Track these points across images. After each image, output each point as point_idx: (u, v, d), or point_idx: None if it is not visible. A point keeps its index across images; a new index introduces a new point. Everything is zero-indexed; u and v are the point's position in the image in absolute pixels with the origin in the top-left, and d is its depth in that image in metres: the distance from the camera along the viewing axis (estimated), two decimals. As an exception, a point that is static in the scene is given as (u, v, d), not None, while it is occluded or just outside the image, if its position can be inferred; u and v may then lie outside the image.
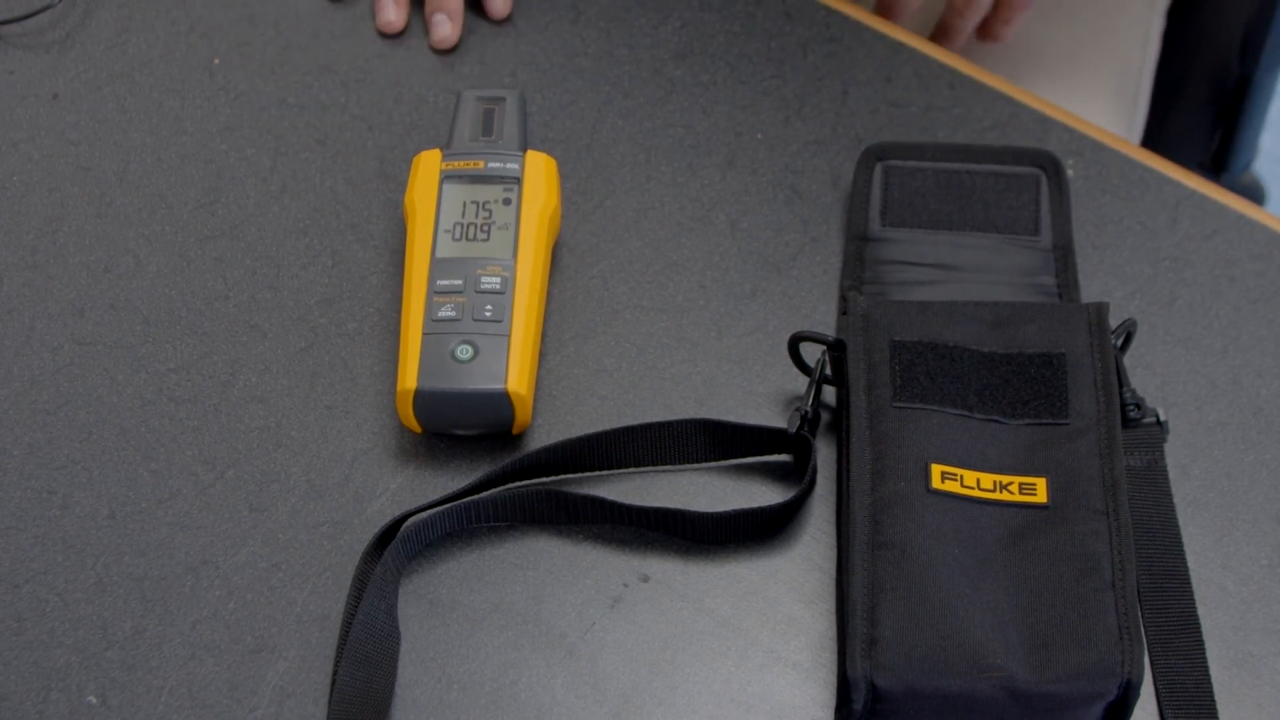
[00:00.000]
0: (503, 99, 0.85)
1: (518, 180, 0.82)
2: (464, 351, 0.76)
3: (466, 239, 0.80)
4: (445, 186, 0.82)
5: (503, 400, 0.76)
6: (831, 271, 0.85)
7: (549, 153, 0.88)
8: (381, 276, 0.84)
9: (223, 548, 0.76)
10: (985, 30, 1.02)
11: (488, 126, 0.84)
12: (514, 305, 0.78)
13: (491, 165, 0.82)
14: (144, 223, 0.87)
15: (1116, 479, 0.73)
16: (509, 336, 0.77)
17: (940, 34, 1.03)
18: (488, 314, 0.77)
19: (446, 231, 0.80)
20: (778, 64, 0.93)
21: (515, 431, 0.78)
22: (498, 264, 0.79)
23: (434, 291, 0.78)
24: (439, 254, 0.79)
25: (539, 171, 0.82)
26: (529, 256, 0.79)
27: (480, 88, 0.87)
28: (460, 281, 0.78)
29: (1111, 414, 0.75)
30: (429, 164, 0.83)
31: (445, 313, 0.77)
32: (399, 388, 0.76)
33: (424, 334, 0.77)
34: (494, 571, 0.75)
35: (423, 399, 0.76)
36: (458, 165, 0.82)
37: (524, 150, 0.83)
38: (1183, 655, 0.72)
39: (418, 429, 0.78)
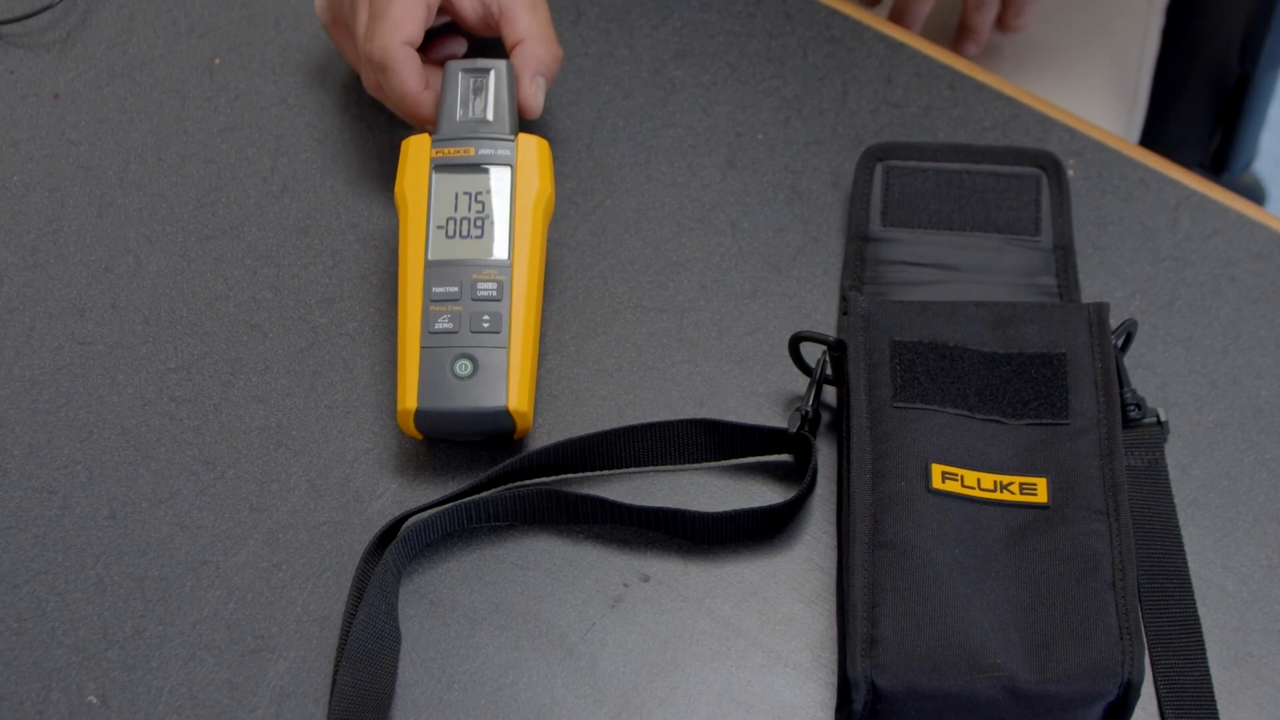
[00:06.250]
0: (488, 70, 0.82)
1: (510, 166, 0.80)
2: (463, 367, 0.76)
3: (460, 235, 0.78)
4: (436, 177, 0.80)
5: (504, 417, 0.76)
6: (832, 271, 0.85)
7: (549, 152, 0.88)
8: (381, 276, 0.84)
9: (223, 548, 0.76)
10: (1001, 24, 1.03)
11: (477, 105, 0.82)
12: (511, 313, 0.77)
13: (483, 152, 0.80)
14: (144, 222, 0.87)
15: (1117, 479, 0.73)
16: (508, 349, 0.76)
17: (962, 35, 1.03)
18: (485, 325, 0.77)
19: (439, 228, 0.79)
20: (778, 64, 0.93)
21: (516, 437, 0.78)
22: (493, 267, 0.78)
23: (430, 300, 0.77)
24: (432, 255, 0.78)
25: (531, 156, 0.80)
26: (524, 254, 0.78)
27: (466, 60, 0.85)
28: (456, 289, 0.77)
29: (1112, 414, 0.75)
30: (418, 151, 0.81)
31: (442, 324, 0.76)
32: (399, 406, 0.76)
33: (422, 347, 0.76)
34: (494, 571, 0.75)
35: (423, 418, 0.76)
36: (448, 153, 0.80)
37: (515, 134, 0.81)
38: (1183, 655, 0.72)
39: (419, 437, 0.78)
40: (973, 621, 0.69)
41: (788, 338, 0.80)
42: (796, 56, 0.93)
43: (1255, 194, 1.62)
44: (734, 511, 0.75)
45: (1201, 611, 0.74)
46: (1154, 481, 0.76)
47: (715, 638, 0.74)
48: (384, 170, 0.88)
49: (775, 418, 0.80)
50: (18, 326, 0.83)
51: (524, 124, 0.86)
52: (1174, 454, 0.78)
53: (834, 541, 0.76)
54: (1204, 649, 0.72)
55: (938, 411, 0.74)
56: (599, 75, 0.92)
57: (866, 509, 0.72)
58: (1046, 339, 0.77)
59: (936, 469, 0.73)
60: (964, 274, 0.82)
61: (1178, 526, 0.75)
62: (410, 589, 0.75)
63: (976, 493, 0.73)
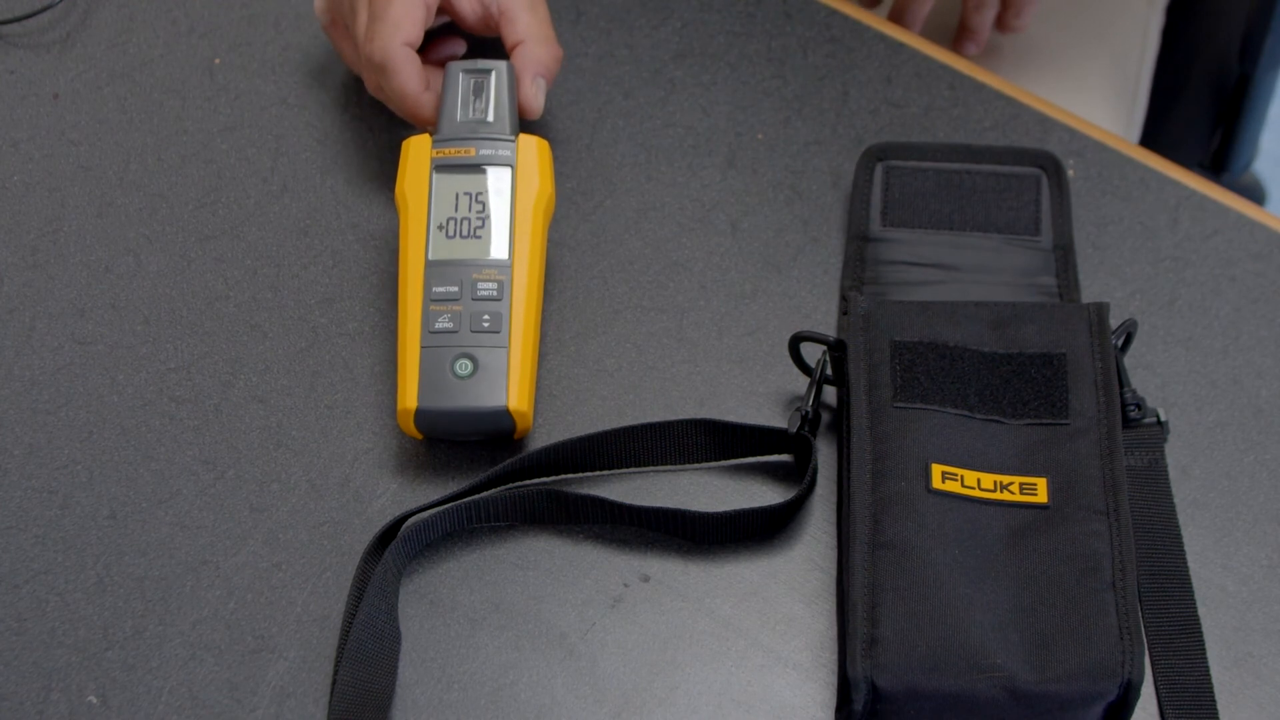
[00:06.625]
0: (489, 71, 0.82)
1: (510, 167, 0.80)
2: (463, 367, 0.76)
3: (460, 235, 0.78)
4: (436, 177, 0.80)
5: (504, 416, 0.76)
6: (832, 271, 0.85)
7: (549, 152, 0.88)
8: (381, 276, 0.84)
9: (223, 548, 0.76)
10: (1001, 24, 1.03)
11: (478, 105, 0.82)
12: (511, 313, 0.77)
13: (483, 153, 0.80)
14: (145, 222, 0.87)
15: (1117, 479, 0.73)
16: (508, 349, 0.76)
17: (962, 35, 1.03)
18: (485, 324, 0.77)
19: (440, 228, 0.79)
20: (778, 64, 0.93)
21: (516, 437, 0.78)
22: (493, 267, 0.78)
23: (430, 300, 0.77)
24: (433, 255, 0.78)
25: (531, 157, 0.80)
26: (524, 254, 0.78)
27: (466, 60, 0.85)
28: (456, 288, 0.77)
29: (1112, 414, 0.75)
30: (419, 151, 0.81)
31: (442, 324, 0.76)
32: (399, 406, 0.76)
33: (422, 347, 0.76)
34: (494, 571, 0.75)
35: (423, 418, 0.76)
36: (448, 153, 0.80)
37: (516, 135, 0.81)
38: (1183, 655, 0.72)
39: (419, 436, 0.78)
40: (973, 621, 0.69)
41: (788, 338, 0.80)
42: (796, 56, 0.93)
43: (1255, 194, 1.62)
44: (734, 511, 0.75)
45: (1201, 611, 0.74)
46: (1154, 481, 0.76)
47: (715, 638, 0.74)
48: (384, 170, 0.88)
49: (775, 418, 0.80)
50: (18, 326, 0.83)
51: (524, 124, 0.86)
52: (1174, 454, 0.78)
53: (834, 541, 0.76)
54: (1204, 649, 0.72)
55: (938, 411, 0.74)
56: (599, 75, 0.92)
57: (866, 509, 0.72)
58: (1046, 339, 0.77)
59: (936, 469, 0.73)
60: (964, 274, 0.82)
61: (1178, 526, 0.75)
62: (410, 589, 0.75)
63: (976, 493, 0.73)
